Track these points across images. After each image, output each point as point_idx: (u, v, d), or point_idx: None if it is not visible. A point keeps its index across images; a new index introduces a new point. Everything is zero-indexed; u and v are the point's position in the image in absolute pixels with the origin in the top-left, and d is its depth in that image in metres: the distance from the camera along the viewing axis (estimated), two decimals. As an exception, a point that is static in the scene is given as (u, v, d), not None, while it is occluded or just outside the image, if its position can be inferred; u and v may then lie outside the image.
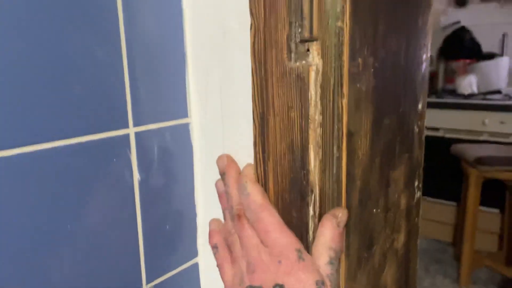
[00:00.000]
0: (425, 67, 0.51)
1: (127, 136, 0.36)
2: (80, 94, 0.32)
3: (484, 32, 2.76)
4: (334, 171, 0.36)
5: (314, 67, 0.33)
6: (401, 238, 0.49)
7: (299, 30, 0.33)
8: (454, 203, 2.50)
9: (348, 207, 0.37)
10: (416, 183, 0.52)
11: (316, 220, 0.36)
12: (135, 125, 0.36)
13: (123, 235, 0.36)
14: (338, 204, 0.36)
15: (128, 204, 0.37)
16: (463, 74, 2.66)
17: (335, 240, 0.33)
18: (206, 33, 0.38)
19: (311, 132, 0.35)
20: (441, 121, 2.47)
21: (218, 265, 0.37)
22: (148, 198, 0.38)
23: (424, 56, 0.50)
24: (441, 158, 2.33)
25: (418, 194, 0.54)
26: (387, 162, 0.43)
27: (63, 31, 0.31)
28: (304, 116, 0.34)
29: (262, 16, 0.34)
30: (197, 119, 0.41)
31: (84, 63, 0.32)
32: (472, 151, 2.07)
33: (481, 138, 2.37)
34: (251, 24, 0.33)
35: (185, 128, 0.41)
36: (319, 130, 0.35)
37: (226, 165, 0.37)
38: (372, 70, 0.38)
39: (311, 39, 0.33)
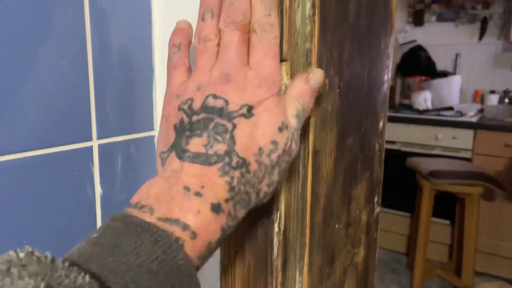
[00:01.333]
0: (386, 88, 0.53)
1: (90, 149, 0.35)
2: (42, 106, 0.31)
3: (438, 51, 2.91)
4: (300, 189, 0.36)
5: (283, 87, 0.34)
6: (361, 253, 0.50)
7: (269, 50, 0.34)
8: (408, 214, 2.59)
9: (312, 224, 0.38)
10: (375, 199, 0.54)
11: (281, 237, 0.36)
12: (99, 137, 0.35)
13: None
14: (303, 222, 0.37)
15: (89, 219, 0.35)
16: (418, 90, 2.79)
17: (303, 95, 0.31)
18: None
19: (278, 151, 0.35)
20: (398, 135, 2.57)
21: (170, 66, 0.32)
22: (109, 211, 0.37)
23: (386, 77, 0.52)
24: (397, 170, 2.42)
25: (377, 209, 0.55)
26: (349, 180, 0.44)
27: (27, 42, 0.30)
28: (272, 134, 0.35)
29: None
30: (163, 132, 0.41)
31: (47, 75, 0.31)
32: (426, 165, 2.17)
33: (434, 152, 2.48)
34: (221, 42, 0.34)
35: (151, 140, 0.40)
36: (286, 149, 0.35)
37: None
38: (337, 90, 0.39)
39: (281, 60, 0.34)
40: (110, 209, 0.37)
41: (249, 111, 0.28)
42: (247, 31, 0.30)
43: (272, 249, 0.36)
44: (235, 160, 0.27)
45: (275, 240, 0.36)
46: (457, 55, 2.85)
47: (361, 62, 0.44)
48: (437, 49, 2.91)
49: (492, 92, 2.72)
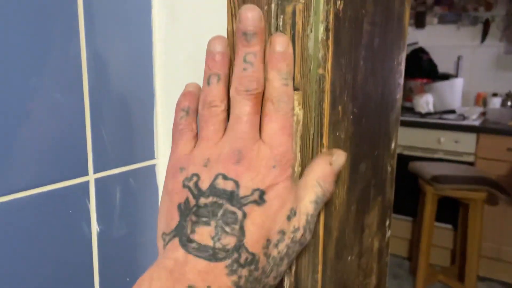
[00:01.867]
0: (398, 106, 0.50)
1: (86, 184, 0.32)
2: (35, 142, 0.29)
3: (440, 54, 2.88)
4: (311, 225, 0.34)
5: (294, 118, 0.31)
6: (372, 282, 0.48)
7: (280, 77, 0.31)
8: (410, 219, 2.57)
9: (325, 261, 0.36)
10: (387, 223, 0.52)
11: (292, 278, 0.34)
12: (96, 171, 0.33)
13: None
14: (315, 259, 0.34)
15: (85, 258, 0.33)
16: (420, 93, 2.76)
17: (325, 178, 0.29)
18: (178, 74, 0.35)
19: (289, 185, 0.33)
20: (399, 138, 2.53)
21: (176, 132, 0.30)
22: (107, 250, 0.35)
23: (398, 96, 0.50)
24: (399, 174, 2.39)
25: (388, 233, 0.53)
26: (362, 208, 0.42)
27: (19, 75, 0.27)
28: (282, 168, 0.32)
29: (241, 61, 0.31)
30: (164, 160, 0.38)
31: (40, 109, 0.29)
32: (429, 169, 2.14)
33: (437, 156, 2.46)
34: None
35: (151, 169, 0.38)
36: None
37: (260, 25, 0.28)
38: (351, 117, 0.37)
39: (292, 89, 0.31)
40: (108, 247, 0.34)
41: (261, 197, 0.25)
42: (260, 102, 0.28)
43: (282, 290, 0.33)
44: (244, 256, 0.24)
45: (286, 281, 0.33)
46: (459, 58, 2.83)
47: (374, 83, 0.42)
48: (439, 51, 2.89)
49: (495, 95, 2.70)
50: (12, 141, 0.27)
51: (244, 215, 0.25)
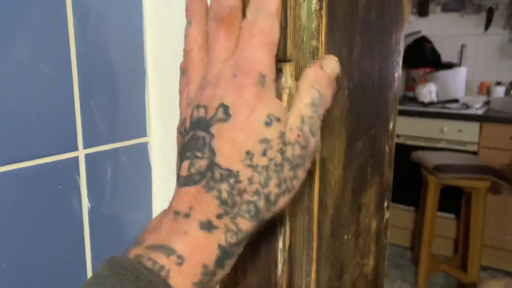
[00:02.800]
0: (396, 86, 0.50)
1: (75, 159, 0.32)
2: (21, 115, 0.28)
3: (443, 42, 2.85)
4: (306, 201, 0.33)
5: (287, 90, 0.31)
6: (370, 263, 0.47)
7: (272, 49, 0.31)
8: (412, 208, 2.56)
9: (320, 238, 0.35)
10: (385, 204, 0.51)
11: (286, 254, 0.33)
12: (86, 147, 0.32)
13: (70, 268, 0.32)
14: (310, 236, 0.34)
15: (76, 235, 0.32)
16: (423, 82, 2.74)
17: (319, 81, 0.28)
18: (169, 49, 0.34)
19: (282, 160, 0.32)
20: (402, 128, 2.53)
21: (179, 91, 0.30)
22: (99, 227, 0.34)
23: (396, 75, 0.49)
24: (401, 164, 2.38)
25: (387, 215, 0.52)
26: (359, 187, 0.41)
27: (2, 45, 0.26)
28: (275, 142, 0.32)
29: None
30: (156, 138, 0.38)
31: (26, 80, 0.28)
32: (431, 159, 2.13)
33: (440, 145, 2.44)
34: (218, 41, 0.30)
35: (144, 147, 0.37)
36: (290, 158, 0.32)
37: None
38: (346, 92, 0.36)
39: (284, 60, 0.30)
40: (99, 224, 0.34)
41: (225, 112, 0.25)
42: (235, 29, 0.27)
43: (276, 267, 0.33)
44: (217, 173, 0.25)
45: (280, 257, 0.33)
46: (462, 46, 2.80)
47: (372, 59, 0.41)
48: (442, 40, 2.86)
49: (498, 83, 2.67)
50: (-4, 112, 0.27)
51: (212, 136, 0.25)
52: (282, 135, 0.26)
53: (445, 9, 2.83)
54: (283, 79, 0.31)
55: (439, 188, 2.12)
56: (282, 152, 0.26)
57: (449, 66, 2.75)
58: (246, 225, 0.25)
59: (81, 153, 0.32)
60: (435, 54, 2.83)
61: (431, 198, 2.12)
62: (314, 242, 0.34)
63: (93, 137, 0.33)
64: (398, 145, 2.48)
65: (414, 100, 2.69)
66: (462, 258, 2.30)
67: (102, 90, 0.33)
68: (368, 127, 0.42)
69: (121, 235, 0.36)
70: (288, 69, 0.31)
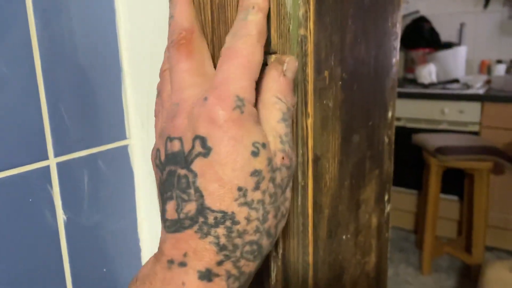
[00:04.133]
0: (394, 72, 0.47)
1: (46, 169, 0.29)
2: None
3: (442, 22, 2.80)
4: (299, 202, 0.31)
5: (272, 85, 0.28)
6: (372, 260, 0.45)
7: (255, 39, 0.28)
8: (415, 191, 2.55)
9: (315, 241, 0.33)
10: (386, 197, 0.49)
11: (279, 261, 0.31)
12: (57, 154, 0.30)
13: (48, 285, 0.30)
14: (305, 240, 0.31)
15: (53, 250, 0.30)
16: (422, 63, 2.70)
17: (283, 91, 0.25)
18: (146, 44, 0.32)
19: (271, 160, 0.29)
20: (402, 111, 2.49)
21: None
22: (78, 239, 0.32)
23: (394, 60, 0.46)
24: (403, 147, 2.35)
25: (388, 208, 0.50)
26: (357, 183, 0.39)
27: None
28: (263, 141, 0.29)
29: (209, 23, 0.28)
30: (137, 140, 0.35)
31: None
32: (433, 141, 2.10)
33: (441, 127, 2.41)
34: (196, 34, 0.28)
35: (123, 150, 0.35)
36: (280, 158, 0.29)
37: None
38: (340, 83, 0.33)
39: (269, 52, 0.27)
40: (78, 237, 0.31)
41: (204, 145, 0.22)
42: (192, 45, 0.25)
43: (269, 276, 0.30)
44: (211, 217, 0.22)
45: (273, 266, 0.30)
46: (461, 25, 2.74)
47: (367, 44, 0.38)
48: (440, 19, 2.80)
49: (499, 62, 2.62)
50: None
51: (195, 174, 0.22)
52: (270, 161, 0.23)
53: (443, -13, 2.77)
54: (268, 73, 0.29)
55: (442, 170, 2.10)
56: (273, 180, 0.23)
57: (448, 45, 2.70)
58: (250, 266, 0.23)
59: (52, 161, 0.29)
60: (434, 34, 2.78)
61: (434, 180, 2.10)
62: (310, 246, 0.32)
63: (65, 144, 0.30)
64: (399, 129, 2.46)
65: (414, 82, 2.65)
66: (466, 240, 2.29)
67: (72, 91, 0.30)
68: (365, 118, 0.39)
69: (103, 246, 0.34)
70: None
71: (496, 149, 2.01)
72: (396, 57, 0.47)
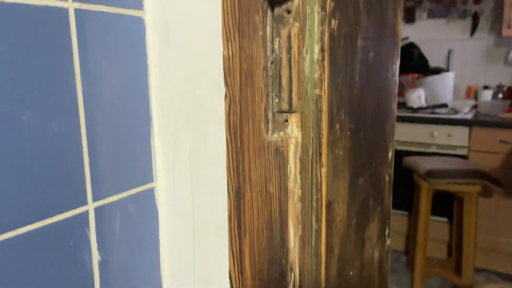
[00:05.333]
0: (393, 116, 0.51)
1: (85, 214, 0.32)
2: (30, 175, 0.28)
3: (431, 48, 2.89)
4: (313, 244, 0.34)
5: (293, 140, 0.31)
6: (374, 292, 0.48)
7: (277, 100, 0.31)
8: (406, 213, 2.58)
9: (327, 279, 0.36)
10: (386, 231, 0.52)
11: (296, 299, 0.34)
12: (95, 199, 0.33)
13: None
14: (317, 278, 0.34)
15: (88, 288, 0.33)
16: (411, 88, 2.77)
17: None
18: (174, 98, 0.35)
19: (290, 207, 0.33)
20: (393, 134, 2.55)
21: None
22: (109, 278, 0.34)
23: (393, 106, 0.50)
24: (394, 170, 2.40)
25: (388, 241, 0.53)
26: (362, 221, 0.42)
27: (12, 107, 0.27)
28: (283, 190, 0.32)
29: (238, 86, 0.31)
30: (163, 183, 0.38)
31: (34, 141, 0.28)
32: (423, 164, 2.15)
33: (430, 150, 2.47)
34: (225, 94, 0.31)
35: (150, 193, 0.38)
36: (299, 205, 0.33)
37: None
38: (348, 133, 0.37)
39: (290, 111, 0.31)
40: (109, 275, 0.34)
41: None
42: None
43: (287, 312, 0.33)
44: None
45: (290, 303, 0.33)
46: (449, 51, 2.84)
47: (370, 95, 0.42)
48: (429, 45, 2.90)
49: (486, 87, 2.71)
50: (5, 175, 0.27)
51: None
52: None
53: (432, 15, 2.87)
54: (289, 129, 0.32)
55: (432, 193, 2.14)
56: None
57: (437, 71, 2.79)
58: None
59: (90, 206, 0.32)
60: (423, 60, 2.87)
61: (424, 202, 2.14)
62: (322, 285, 0.35)
63: (101, 189, 0.33)
64: (390, 151, 2.50)
65: (404, 105, 2.72)
66: (456, 261, 2.32)
67: (109, 141, 0.33)
68: (369, 161, 0.43)
69: (130, 283, 0.36)
70: (294, 119, 0.31)
71: (484, 173, 2.07)
72: (395, 104, 0.50)
